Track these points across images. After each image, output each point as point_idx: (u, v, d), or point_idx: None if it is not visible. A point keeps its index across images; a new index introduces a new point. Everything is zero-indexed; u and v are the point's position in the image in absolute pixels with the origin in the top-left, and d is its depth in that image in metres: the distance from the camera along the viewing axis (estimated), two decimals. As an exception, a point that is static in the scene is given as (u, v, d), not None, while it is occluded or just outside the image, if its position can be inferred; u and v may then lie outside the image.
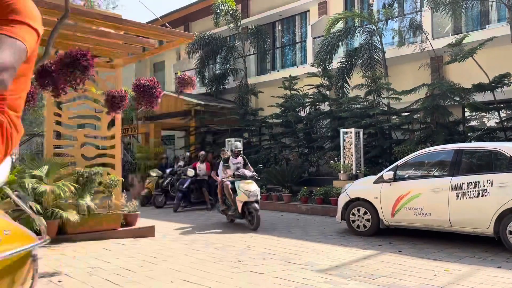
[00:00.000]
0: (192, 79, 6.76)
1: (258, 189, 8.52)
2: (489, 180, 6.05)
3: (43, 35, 4.87)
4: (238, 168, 8.79)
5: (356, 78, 12.84)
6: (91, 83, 7.84)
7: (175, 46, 7.04)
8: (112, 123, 8.02)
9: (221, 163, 9.52)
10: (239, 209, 8.35)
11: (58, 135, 11.39)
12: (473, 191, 6.14)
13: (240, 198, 8.28)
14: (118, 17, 6.23)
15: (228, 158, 9.15)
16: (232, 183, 8.58)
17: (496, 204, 5.93)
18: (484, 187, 6.05)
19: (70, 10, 4.11)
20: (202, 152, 12.65)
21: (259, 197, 8.43)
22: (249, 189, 8.25)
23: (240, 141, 9.94)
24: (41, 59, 4.02)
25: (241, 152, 9.27)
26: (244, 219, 8.48)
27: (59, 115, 7.66)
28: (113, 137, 8.03)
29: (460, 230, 6.35)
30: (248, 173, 8.64)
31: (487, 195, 6.03)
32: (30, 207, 6.09)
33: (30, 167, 6.78)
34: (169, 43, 6.93)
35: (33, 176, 6.63)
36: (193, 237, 7.47)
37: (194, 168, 12.04)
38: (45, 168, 6.80)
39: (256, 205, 8.22)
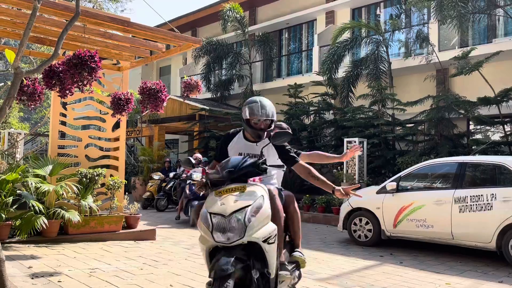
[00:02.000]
0: (198, 83, 6.80)
1: (259, 206, 2.82)
2: (492, 194, 6.02)
3: (53, 36, 4.90)
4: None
5: (361, 88, 12.86)
6: (97, 84, 7.89)
7: (183, 51, 7.07)
8: (116, 125, 8.05)
9: None
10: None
11: (63, 135, 11.46)
12: (476, 204, 6.12)
13: (201, 241, 2.90)
14: (126, 20, 6.27)
15: (231, 135, 3.56)
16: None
17: (499, 218, 5.90)
18: (488, 201, 6.03)
19: (80, 12, 4.14)
20: (197, 155, 12.39)
21: (259, 234, 2.76)
22: (217, 209, 2.81)
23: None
24: (50, 60, 4.04)
25: (273, 124, 3.36)
26: None
27: (64, 116, 7.70)
28: (117, 139, 8.06)
29: (462, 243, 6.32)
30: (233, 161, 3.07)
31: (490, 209, 6.00)
32: (32, 206, 6.11)
33: (34, 166, 6.80)
34: (176, 48, 6.97)
35: (37, 176, 6.65)
36: (194, 241, 7.46)
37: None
38: (48, 168, 6.82)
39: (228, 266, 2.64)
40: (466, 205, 6.19)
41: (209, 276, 2.75)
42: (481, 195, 6.10)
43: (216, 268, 2.65)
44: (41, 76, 5.20)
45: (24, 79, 5.18)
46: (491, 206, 5.99)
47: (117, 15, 9.34)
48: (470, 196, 6.18)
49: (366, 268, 5.72)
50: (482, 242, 6.07)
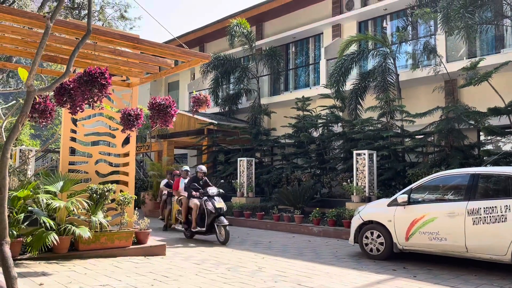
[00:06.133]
0: (207, 98, 6.84)
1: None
2: (506, 206, 5.93)
3: (64, 54, 4.96)
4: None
5: (370, 100, 12.84)
6: (107, 101, 7.97)
7: (191, 66, 7.13)
8: (126, 141, 8.10)
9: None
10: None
11: (73, 151, 11.54)
12: (490, 216, 6.02)
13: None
14: (136, 37, 6.36)
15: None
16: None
17: (514, 230, 5.79)
18: (501, 212, 5.93)
19: (91, 30, 4.21)
20: (186, 168, 11.36)
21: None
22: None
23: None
24: (62, 77, 4.10)
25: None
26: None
27: (75, 132, 7.77)
28: (127, 154, 8.10)
29: (477, 256, 6.20)
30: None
31: (504, 221, 5.90)
32: (43, 222, 6.13)
33: (45, 182, 6.84)
34: (185, 63, 7.03)
35: (48, 192, 6.68)
36: (204, 256, 7.42)
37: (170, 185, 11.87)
38: (59, 184, 6.86)
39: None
40: (480, 217, 6.09)
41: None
42: (495, 206, 6.01)
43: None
44: (52, 93, 5.27)
45: (36, 97, 5.25)
46: (505, 218, 5.89)
47: (127, 32, 9.47)
48: (484, 208, 6.09)
49: (379, 283, 5.63)
50: (497, 255, 5.96)
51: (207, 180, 9.84)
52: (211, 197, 9.00)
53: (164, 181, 12.70)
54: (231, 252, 7.91)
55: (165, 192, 12.01)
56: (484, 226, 6.04)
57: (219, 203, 8.94)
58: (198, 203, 9.02)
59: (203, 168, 9.82)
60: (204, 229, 8.93)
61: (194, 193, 9.22)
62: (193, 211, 9.08)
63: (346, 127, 13.47)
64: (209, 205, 8.84)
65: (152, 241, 7.69)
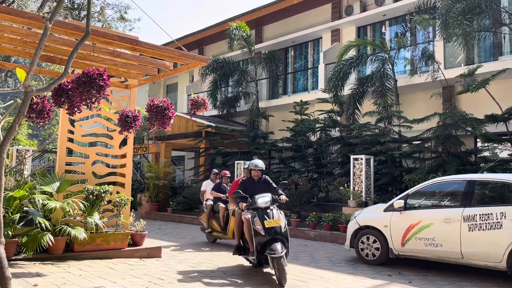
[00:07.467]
0: (205, 101, 6.85)
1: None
2: (502, 213, 5.94)
3: (63, 55, 4.97)
4: None
5: (367, 105, 12.88)
6: (105, 102, 7.97)
7: (190, 69, 7.15)
8: (123, 142, 8.09)
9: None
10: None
11: (70, 152, 11.53)
12: (485, 223, 6.04)
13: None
14: (135, 39, 6.37)
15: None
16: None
17: (509, 237, 5.81)
18: (497, 219, 5.95)
19: (90, 31, 4.22)
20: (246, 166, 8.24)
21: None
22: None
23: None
24: (60, 78, 4.10)
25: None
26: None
27: (72, 133, 7.76)
28: (124, 156, 8.09)
29: (472, 263, 6.21)
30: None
31: (499, 228, 5.91)
32: (39, 223, 6.12)
33: (42, 183, 6.83)
34: (184, 66, 7.05)
35: (44, 192, 6.67)
36: (200, 259, 7.40)
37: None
38: (56, 185, 6.84)
39: None
40: (475, 224, 6.11)
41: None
42: (491, 213, 6.02)
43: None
44: (50, 93, 5.27)
45: (33, 97, 5.25)
46: (501, 225, 5.91)
47: (126, 34, 9.48)
48: (479, 215, 6.10)
49: (374, 288, 5.63)
50: (492, 262, 5.97)
51: (269, 180, 6.64)
52: (262, 210, 5.93)
53: (209, 184, 9.89)
54: (227, 256, 7.89)
55: (211, 197, 9.34)
56: (479, 233, 6.06)
57: (271, 221, 5.80)
58: (249, 217, 6.00)
59: (260, 163, 6.57)
60: (254, 258, 5.99)
61: (240, 204, 6.27)
62: (244, 229, 6.14)
63: (343, 131, 13.49)
64: (257, 224, 5.83)
65: (148, 243, 7.67)
